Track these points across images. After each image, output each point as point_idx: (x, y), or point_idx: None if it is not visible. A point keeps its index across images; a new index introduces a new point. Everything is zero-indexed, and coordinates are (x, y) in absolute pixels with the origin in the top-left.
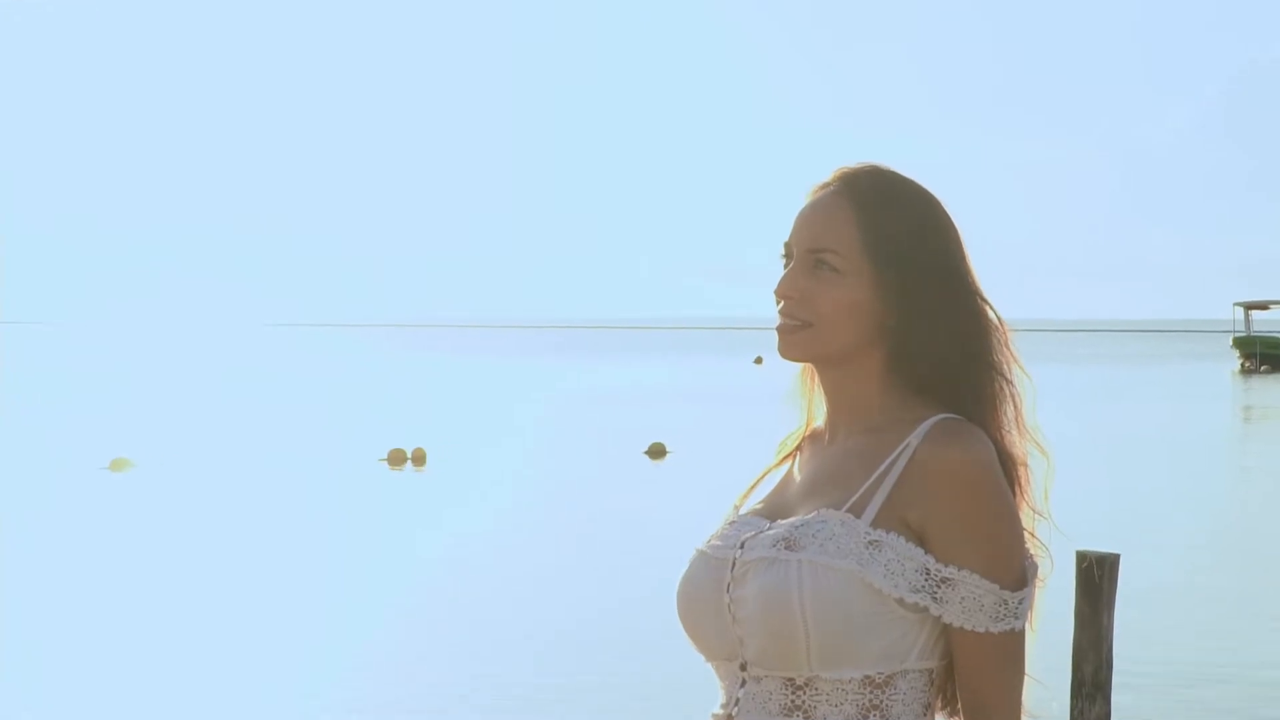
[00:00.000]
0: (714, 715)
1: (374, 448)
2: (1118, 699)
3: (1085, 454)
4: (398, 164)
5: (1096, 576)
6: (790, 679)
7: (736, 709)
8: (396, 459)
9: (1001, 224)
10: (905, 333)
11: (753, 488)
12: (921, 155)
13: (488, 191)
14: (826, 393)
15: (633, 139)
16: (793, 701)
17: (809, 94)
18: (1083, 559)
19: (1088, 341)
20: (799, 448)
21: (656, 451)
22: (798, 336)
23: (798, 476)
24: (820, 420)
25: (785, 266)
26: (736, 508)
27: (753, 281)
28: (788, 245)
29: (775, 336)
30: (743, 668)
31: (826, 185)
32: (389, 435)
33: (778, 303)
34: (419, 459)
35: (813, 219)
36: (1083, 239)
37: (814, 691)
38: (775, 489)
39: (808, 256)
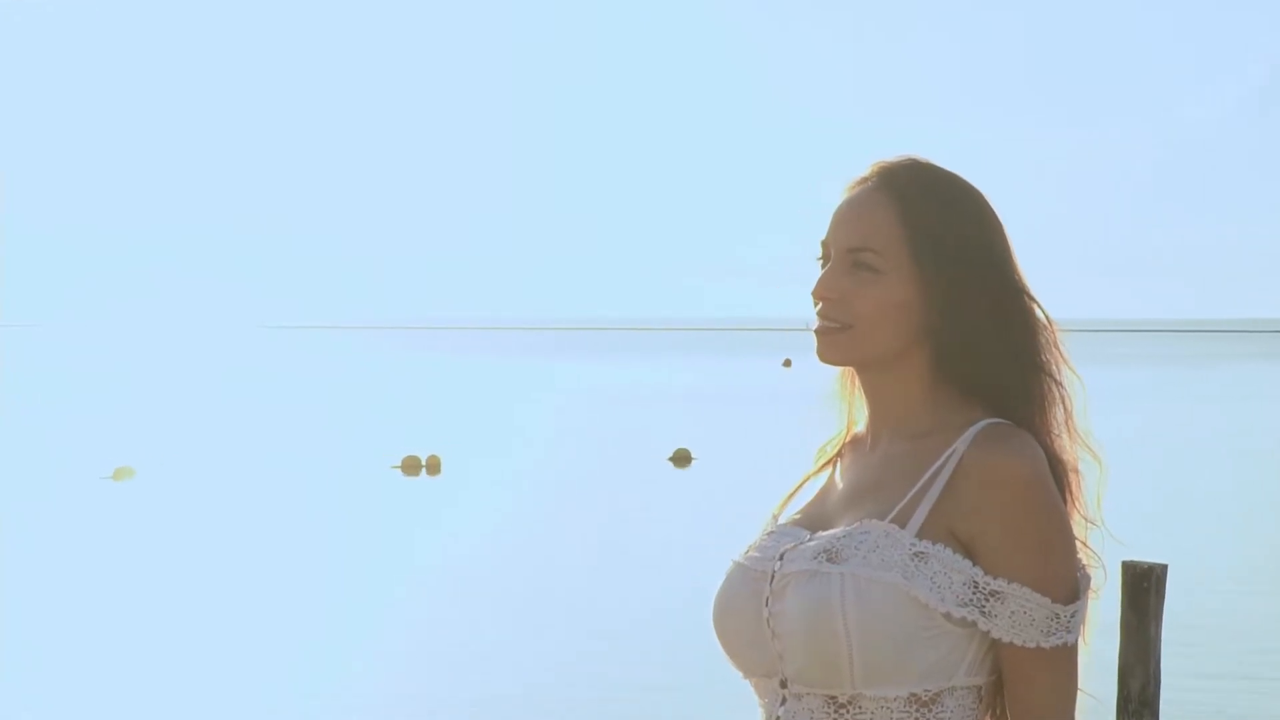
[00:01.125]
0: None
1: (386, 454)
2: (1166, 715)
3: (1132, 459)
4: (397, 164)
5: (1144, 587)
6: (832, 697)
7: None
8: (410, 466)
9: (1032, 217)
10: (949, 333)
11: (790, 496)
12: (944, 143)
13: (488, 191)
14: (867, 397)
15: (633, 137)
16: (835, 719)
17: (826, 84)
18: (1129, 569)
19: (1129, 342)
20: (839, 454)
21: (681, 458)
22: (837, 339)
23: (839, 485)
24: (861, 425)
25: (822, 266)
26: (774, 517)
27: (758, 280)
28: (824, 244)
29: (812, 338)
30: (782, 685)
31: (864, 180)
32: (400, 441)
33: (815, 304)
34: (433, 466)
35: (851, 216)
36: (1120, 231)
37: (857, 710)
38: (815, 498)
39: (846, 255)
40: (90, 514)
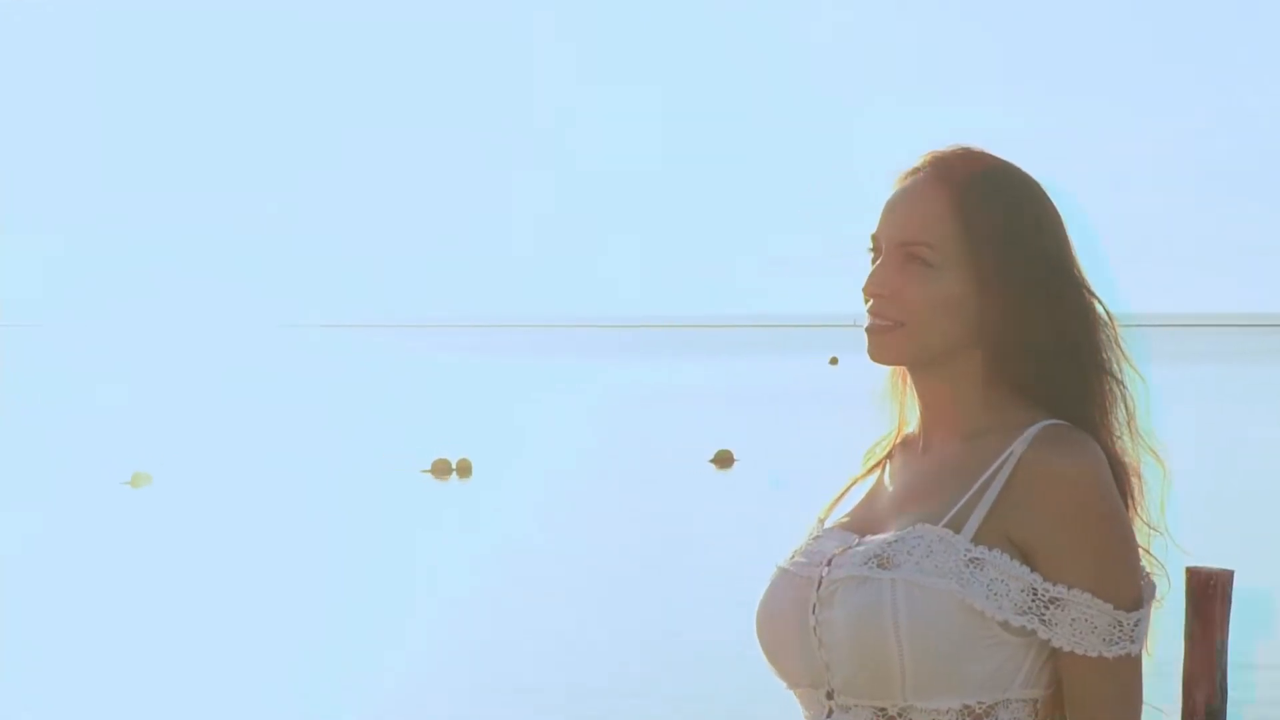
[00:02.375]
0: None
1: (414, 457)
2: None
3: (1198, 460)
4: (407, 159)
5: (1209, 595)
6: (882, 709)
7: None
8: (440, 470)
9: (1107, 209)
10: (1007, 331)
11: (838, 499)
12: (1002, 132)
13: (528, 186)
14: (920, 396)
15: (675, 130)
16: None
17: (880, 71)
18: (1194, 575)
19: (1191, 338)
20: (889, 456)
21: (723, 459)
22: (888, 337)
23: (889, 487)
24: (912, 426)
25: (873, 261)
26: (821, 521)
27: (803, 274)
28: (875, 237)
29: (862, 336)
30: (829, 696)
31: (916, 171)
32: (429, 443)
33: (865, 301)
34: (464, 470)
35: (902, 208)
36: (1187, 222)
37: None
38: (864, 501)
39: (898, 249)
40: (109, 521)
